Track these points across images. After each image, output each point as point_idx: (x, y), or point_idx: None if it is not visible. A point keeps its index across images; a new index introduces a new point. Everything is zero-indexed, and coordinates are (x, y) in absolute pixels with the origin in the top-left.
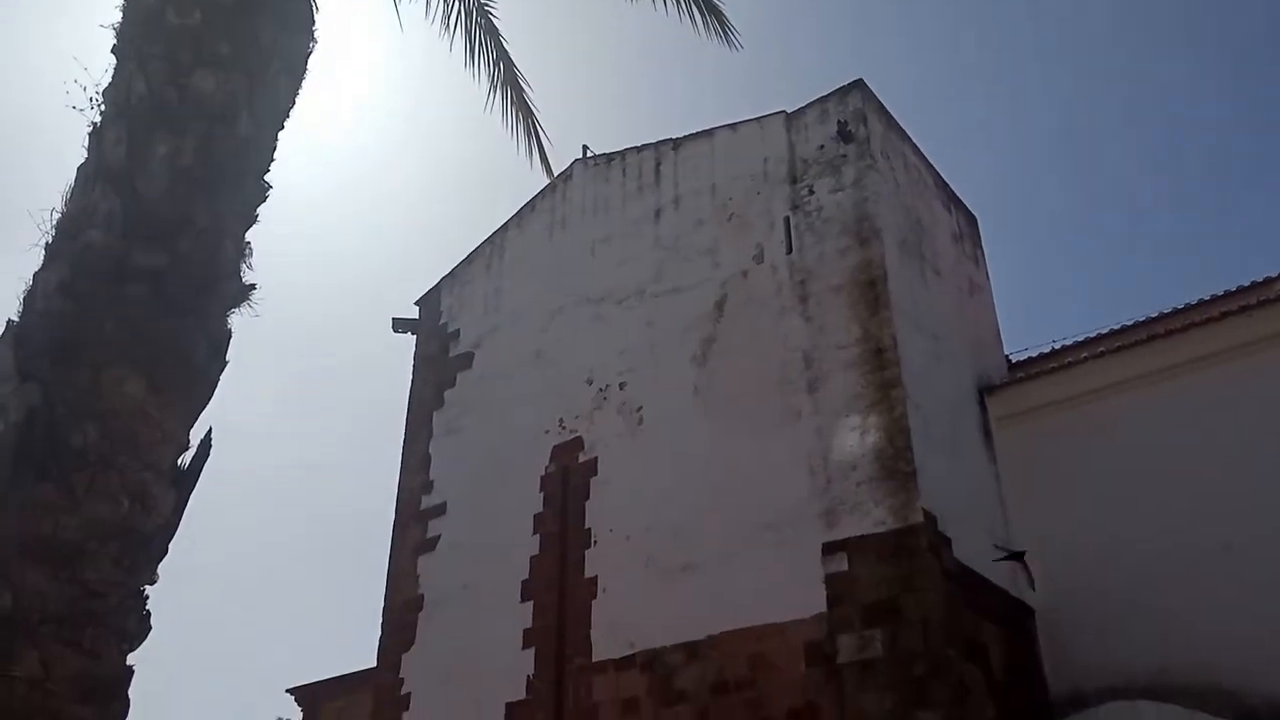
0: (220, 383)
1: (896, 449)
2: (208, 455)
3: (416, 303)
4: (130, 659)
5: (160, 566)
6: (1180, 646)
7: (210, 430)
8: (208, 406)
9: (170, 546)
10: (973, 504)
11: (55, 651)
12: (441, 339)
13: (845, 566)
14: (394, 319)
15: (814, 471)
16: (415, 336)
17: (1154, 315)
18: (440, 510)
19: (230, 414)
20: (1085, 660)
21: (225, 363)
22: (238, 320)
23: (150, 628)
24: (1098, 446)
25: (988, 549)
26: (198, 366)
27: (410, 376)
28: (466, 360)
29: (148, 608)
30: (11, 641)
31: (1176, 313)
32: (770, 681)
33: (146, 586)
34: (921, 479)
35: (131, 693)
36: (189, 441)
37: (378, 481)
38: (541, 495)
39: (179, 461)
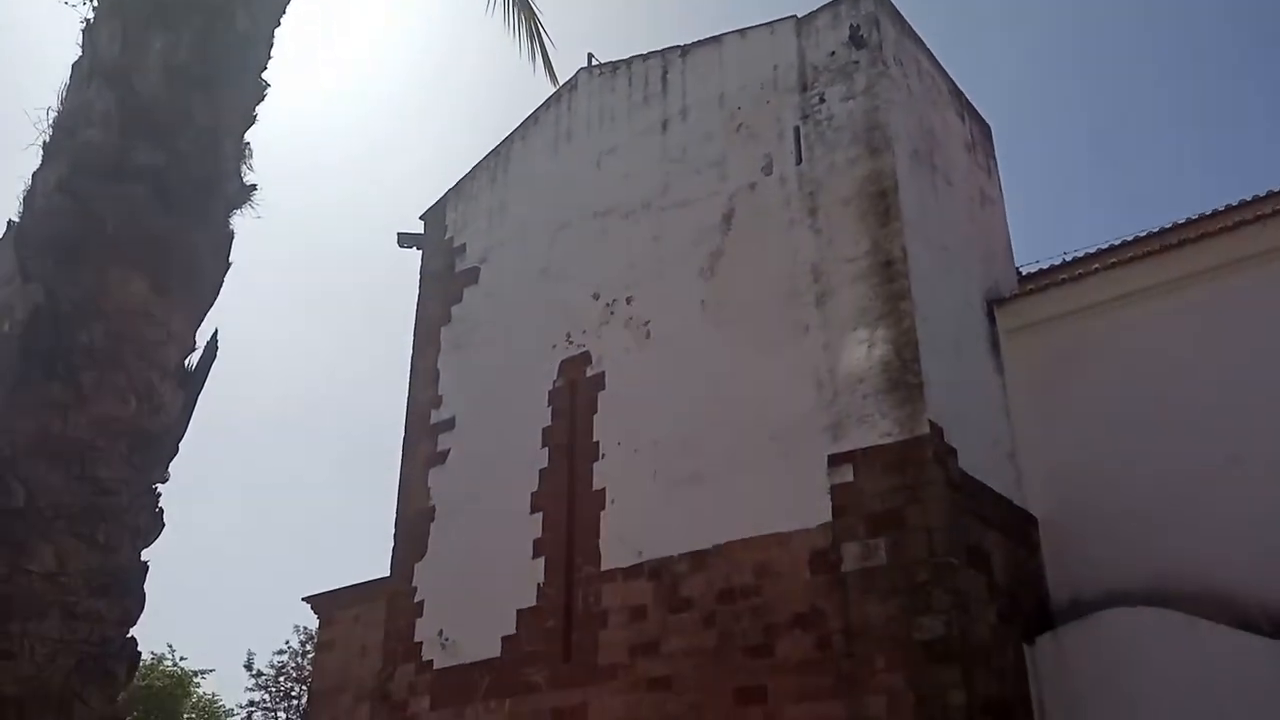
0: (225, 286)
1: (904, 361)
2: (214, 357)
3: (421, 217)
4: (146, 558)
5: (175, 471)
6: (1181, 555)
7: (216, 332)
8: (213, 309)
9: (180, 447)
10: (979, 415)
11: (69, 546)
12: (447, 254)
13: (850, 478)
14: (399, 234)
15: (821, 384)
16: (421, 252)
17: (1167, 226)
18: (449, 425)
19: (241, 323)
20: (1086, 568)
21: (229, 264)
22: (242, 224)
23: (163, 525)
24: (1106, 358)
25: (993, 459)
26: (201, 267)
27: (416, 292)
28: (472, 276)
29: (160, 505)
30: (25, 536)
31: (1190, 223)
32: (775, 589)
33: (158, 485)
34: (928, 391)
35: (151, 597)
36: (195, 343)
37: (390, 395)
38: (550, 409)
39: (185, 362)
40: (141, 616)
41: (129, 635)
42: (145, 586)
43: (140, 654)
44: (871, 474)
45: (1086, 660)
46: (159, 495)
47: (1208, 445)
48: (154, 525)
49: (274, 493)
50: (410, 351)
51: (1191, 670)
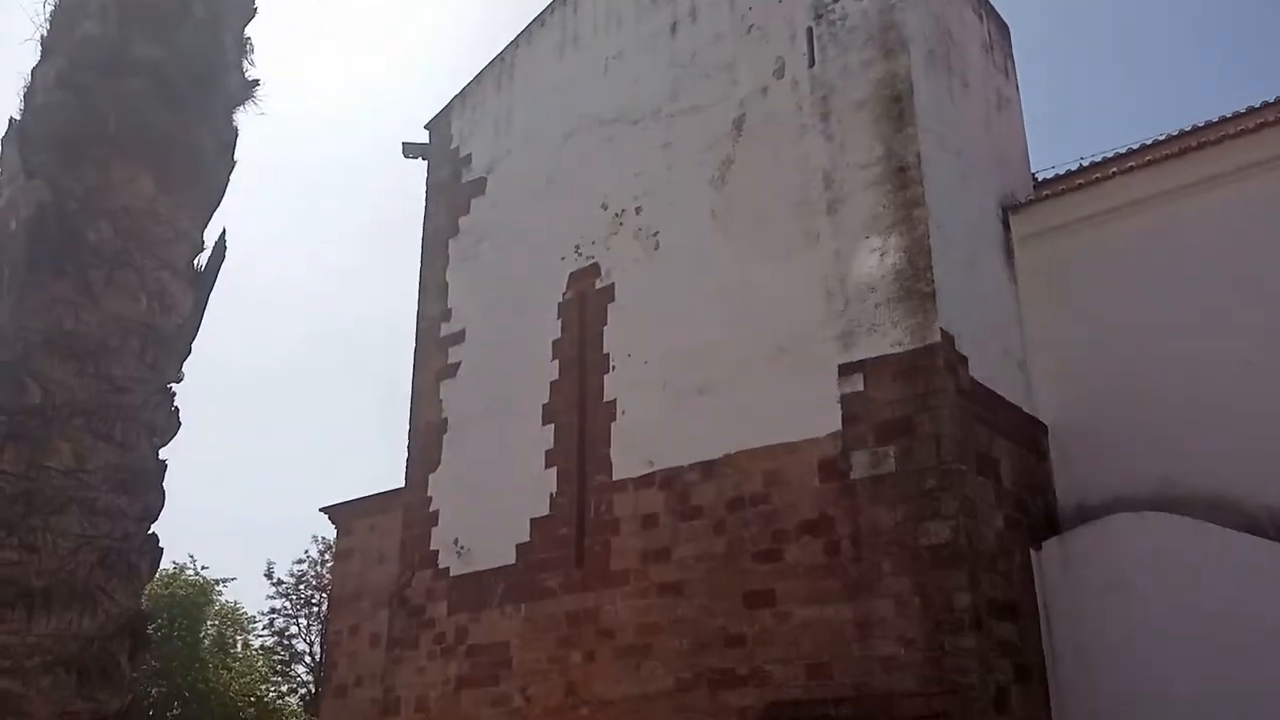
0: (231, 185)
1: (917, 270)
2: (223, 256)
3: (426, 126)
4: (165, 458)
5: (190, 374)
6: (1189, 461)
7: (224, 232)
8: (221, 207)
9: (194, 347)
10: (991, 322)
11: (87, 443)
12: (453, 164)
13: (861, 387)
14: (404, 144)
15: (831, 293)
16: (427, 162)
17: (1185, 130)
18: (459, 337)
19: (251, 230)
20: (1095, 475)
21: (234, 162)
22: (248, 125)
23: (179, 424)
24: (1120, 264)
25: (1004, 367)
26: (206, 165)
27: (424, 203)
28: (479, 186)
29: (175, 405)
30: (44, 433)
31: (1209, 126)
32: (784, 497)
33: (173, 384)
34: (941, 299)
35: (172, 511)
36: (203, 242)
37: (403, 304)
38: (559, 321)
39: (195, 262)
40: (162, 513)
41: (150, 531)
42: (164, 484)
43: (162, 549)
44: (881, 383)
45: (1092, 564)
46: (174, 394)
47: (1221, 351)
48: (170, 424)
49: (293, 406)
50: (419, 264)
51: (1196, 574)
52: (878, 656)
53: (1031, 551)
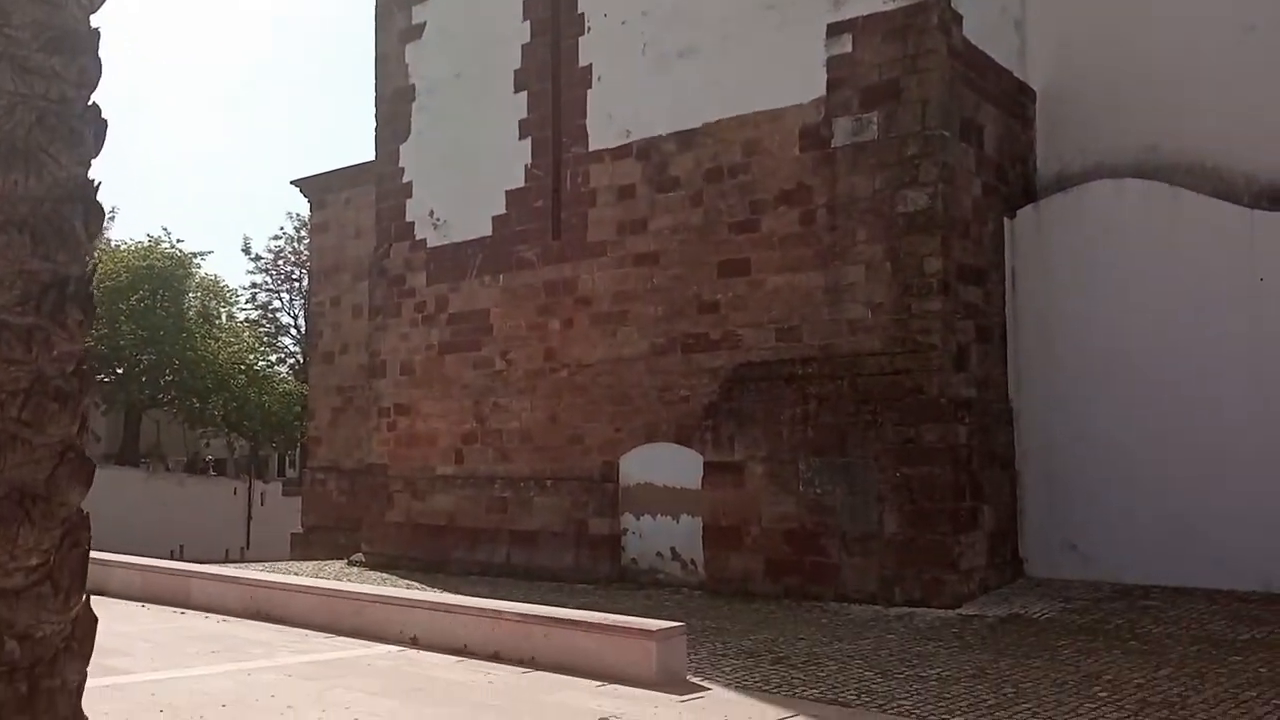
0: None
1: None
2: None
3: None
4: (97, 26)
5: (153, 47)
6: (1173, 129)
7: None
8: None
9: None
10: None
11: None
12: None
13: (849, 48)
14: None
15: None
16: None
17: None
18: None
19: None
20: (1078, 142)
21: None
22: None
23: None
24: None
25: (999, 27)
26: None
27: None
28: None
29: None
30: None
31: None
32: (763, 166)
33: None
34: None
35: (141, 184)
36: None
37: None
38: None
39: None
40: (99, 82)
41: (91, 101)
42: (99, 52)
43: (106, 122)
44: (871, 43)
45: (1066, 230)
46: None
47: (1224, 15)
48: None
49: (255, 85)
50: None
51: (1168, 239)
52: (846, 319)
53: (1005, 219)
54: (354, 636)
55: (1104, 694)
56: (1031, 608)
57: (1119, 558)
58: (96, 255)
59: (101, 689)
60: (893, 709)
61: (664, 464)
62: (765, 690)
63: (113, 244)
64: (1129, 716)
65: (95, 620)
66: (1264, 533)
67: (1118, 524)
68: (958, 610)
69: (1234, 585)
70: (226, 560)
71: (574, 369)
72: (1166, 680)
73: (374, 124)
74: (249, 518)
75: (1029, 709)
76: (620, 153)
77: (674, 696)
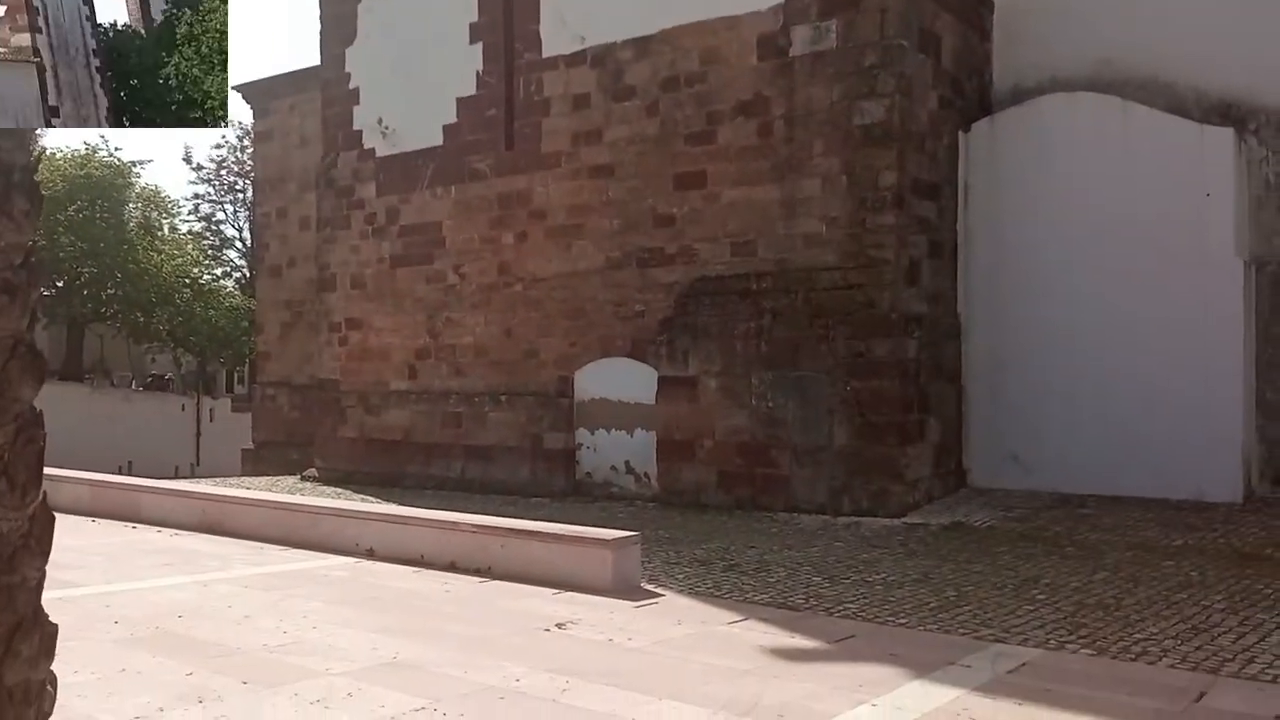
0: None
1: None
2: None
3: None
4: None
5: None
6: (1129, 44)
7: None
8: None
9: None
10: None
11: None
12: None
13: None
14: None
15: None
16: None
17: None
18: None
19: None
20: (1034, 56)
21: None
22: None
23: None
24: None
25: None
26: None
27: None
28: None
29: None
30: None
31: None
32: (720, 76)
33: None
34: None
35: None
36: None
37: None
38: None
39: None
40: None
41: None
42: None
43: None
44: None
45: (1019, 144)
46: None
47: None
48: None
49: None
50: None
51: (1119, 153)
52: (801, 234)
53: (960, 133)
54: (309, 549)
55: (1042, 596)
56: (974, 516)
57: (1059, 469)
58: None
59: (54, 601)
60: (839, 612)
61: (619, 379)
62: (717, 596)
63: (47, 152)
64: (1065, 618)
65: (53, 518)
66: (1198, 444)
67: (1059, 436)
68: (903, 519)
69: (1167, 494)
70: (176, 477)
71: (528, 283)
72: (1102, 584)
73: (319, 26)
74: (198, 434)
75: (970, 611)
76: (574, 60)
77: (629, 603)
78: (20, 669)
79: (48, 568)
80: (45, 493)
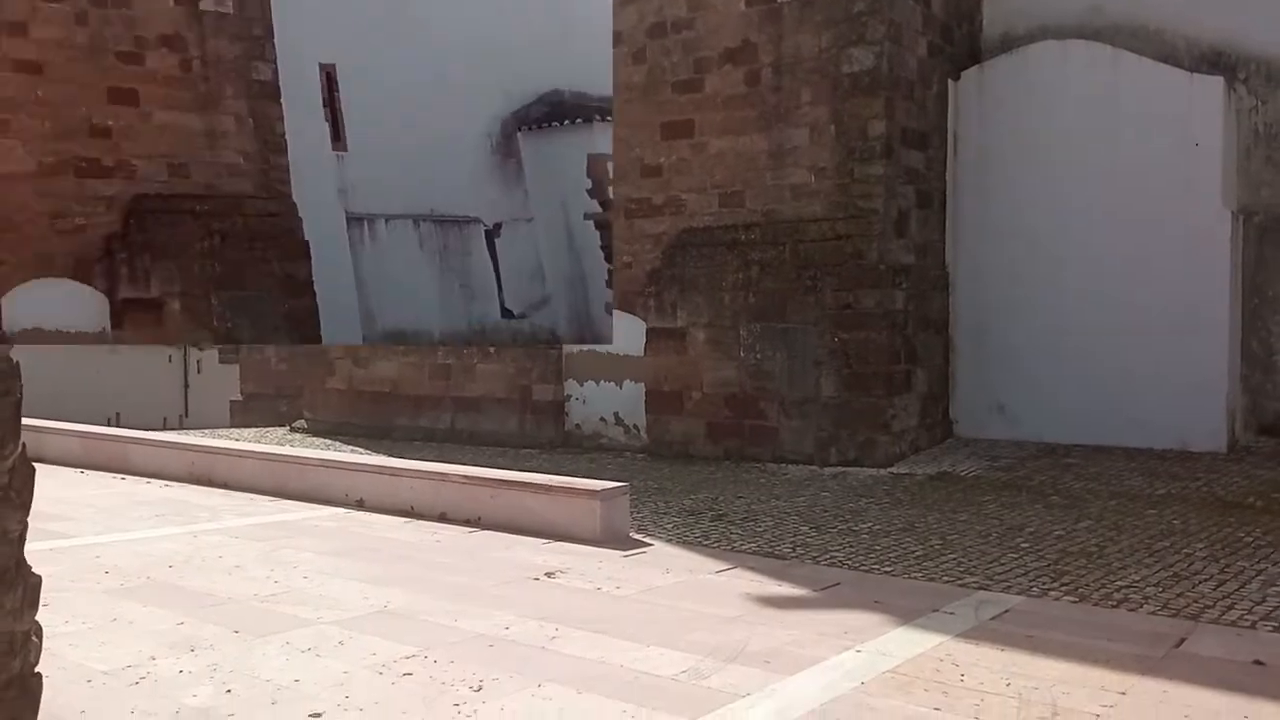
0: None
1: None
2: None
3: None
4: None
5: None
6: None
7: None
8: None
9: None
10: None
11: None
12: None
13: None
14: None
15: None
16: None
17: None
18: None
19: None
20: (1024, 3)
21: None
22: None
23: None
24: None
25: None
26: None
27: None
28: None
29: None
30: None
31: None
32: (708, 22)
33: None
34: None
35: None
36: None
37: None
38: None
39: None
40: None
41: None
42: None
43: None
44: None
45: (1008, 93)
46: None
47: None
48: None
49: None
50: None
51: (1109, 102)
52: (788, 184)
53: (950, 82)
54: (300, 500)
55: (1026, 545)
56: (960, 466)
57: (1044, 419)
58: None
59: (45, 552)
60: (826, 560)
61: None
62: (705, 545)
63: None
64: (1048, 565)
65: (33, 470)
66: (1182, 394)
67: (1045, 387)
68: (890, 469)
69: (1152, 444)
70: (165, 428)
71: None
72: (1085, 532)
73: None
74: (186, 385)
75: (954, 559)
76: None
77: (618, 552)
78: (4, 621)
79: (39, 519)
80: (24, 445)
